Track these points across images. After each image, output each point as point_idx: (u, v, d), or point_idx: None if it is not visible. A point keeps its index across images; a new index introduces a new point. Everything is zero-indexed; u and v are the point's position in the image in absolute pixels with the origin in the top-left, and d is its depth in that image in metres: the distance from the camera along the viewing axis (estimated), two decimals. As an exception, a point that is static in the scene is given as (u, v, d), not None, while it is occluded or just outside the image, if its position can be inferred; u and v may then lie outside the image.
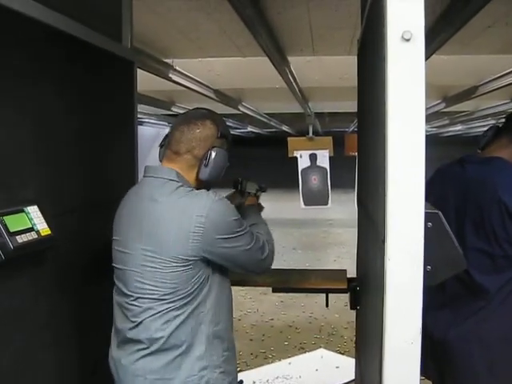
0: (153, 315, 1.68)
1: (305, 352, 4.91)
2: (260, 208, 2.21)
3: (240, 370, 4.53)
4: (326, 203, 8.78)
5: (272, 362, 4.71)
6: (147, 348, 1.69)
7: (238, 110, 8.91)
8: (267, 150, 21.72)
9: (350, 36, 3.89)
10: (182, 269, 1.65)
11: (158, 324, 1.68)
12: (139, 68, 4.44)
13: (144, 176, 1.81)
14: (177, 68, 5.10)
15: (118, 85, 2.42)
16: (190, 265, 1.65)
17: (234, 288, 1.94)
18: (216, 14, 3.38)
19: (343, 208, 12.06)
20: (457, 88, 6.74)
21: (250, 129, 15.53)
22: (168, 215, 1.66)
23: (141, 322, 1.70)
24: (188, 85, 5.68)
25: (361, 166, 2.57)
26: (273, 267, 1.90)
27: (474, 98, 6.55)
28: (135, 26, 3.89)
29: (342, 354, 4.77)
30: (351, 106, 9.09)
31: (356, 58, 2.52)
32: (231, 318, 1.86)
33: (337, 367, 4.47)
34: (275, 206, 17.28)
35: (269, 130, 16.33)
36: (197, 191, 1.73)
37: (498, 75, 5.26)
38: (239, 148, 25.72)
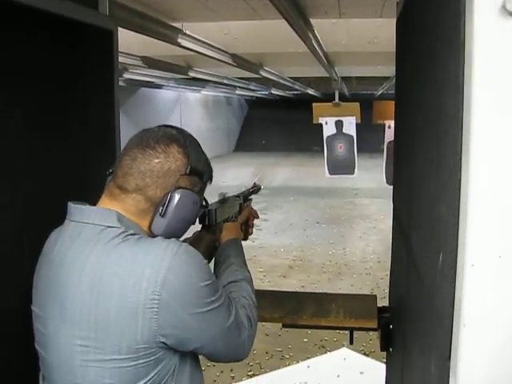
0: None
1: (326, 352, 4.45)
2: (246, 233, 1.61)
3: (253, 374, 4.11)
4: (352, 173, 8.25)
5: (289, 364, 4.25)
6: None
7: (260, 75, 8.31)
8: (292, 112, 21.08)
9: (383, -4, 3.32)
10: (131, 365, 1.05)
11: None
12: (146, 35, 3.98)
13: (67, 219, 1.17)
14: (187, 32, 4.55)
15: (92, 59, 1.91)
16: (141, 358, 1.06)
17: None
18: (222, -31, 2.85)
19: (369, 175, 11.46)
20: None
21: (273, 92, 14.91)
22: (104, 282, 1.06)
23: None
24: (200, 50, 5.12)
25: (399, 164, 2.03)
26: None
27: None
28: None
29: (367, 355, 4.29)
30: (381, 70, 8.35)
31: (394, 22, 2.04)
32: None
33: (361, 373, 3.98)
34: (300, 172, 16.82)
35: (293, 92, 15.68)
36: (149, 239, 1.12)
37: None
38: (263, 110, 25.17)
